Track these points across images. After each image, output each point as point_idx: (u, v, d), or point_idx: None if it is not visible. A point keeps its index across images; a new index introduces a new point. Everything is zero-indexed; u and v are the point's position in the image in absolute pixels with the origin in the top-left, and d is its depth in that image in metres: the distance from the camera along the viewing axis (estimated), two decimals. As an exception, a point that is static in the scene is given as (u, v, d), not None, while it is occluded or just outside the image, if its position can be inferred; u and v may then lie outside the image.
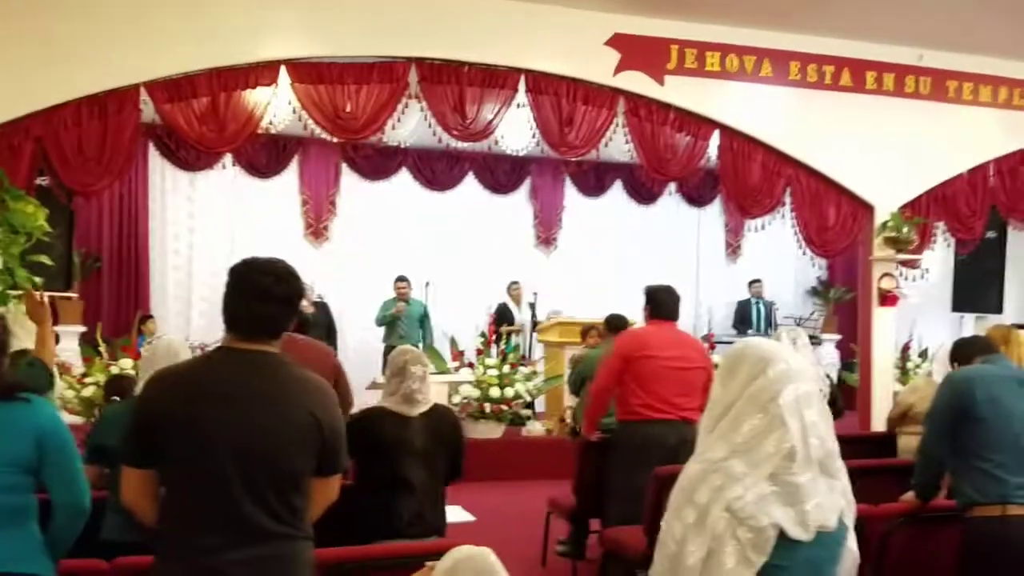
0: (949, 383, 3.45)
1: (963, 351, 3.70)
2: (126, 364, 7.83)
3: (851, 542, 2.18)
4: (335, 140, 7.56)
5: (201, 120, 6.06)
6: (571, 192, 12.24)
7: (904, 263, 7.60)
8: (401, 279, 9.92)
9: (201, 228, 10.88)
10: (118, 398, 4.51)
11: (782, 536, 2.00)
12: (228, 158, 9.20)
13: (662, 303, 4.86)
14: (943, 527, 3.52)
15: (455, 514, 5.93)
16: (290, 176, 11.06)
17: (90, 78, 5.89)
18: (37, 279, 5.54)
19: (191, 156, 9.66)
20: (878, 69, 7.52)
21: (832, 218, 7.50)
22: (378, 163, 11.19)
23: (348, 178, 11.30)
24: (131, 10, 5.99)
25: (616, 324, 6.23)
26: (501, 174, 11.79)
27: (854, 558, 2.19)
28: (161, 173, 10.51)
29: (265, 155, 10.53)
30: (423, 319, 10.00)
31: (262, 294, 2.30)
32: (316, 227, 11.19)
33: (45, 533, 2.50)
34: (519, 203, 12.14)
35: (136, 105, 5.98)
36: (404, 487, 3.64)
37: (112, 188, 7.39)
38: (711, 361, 5.11)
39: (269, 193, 10.94)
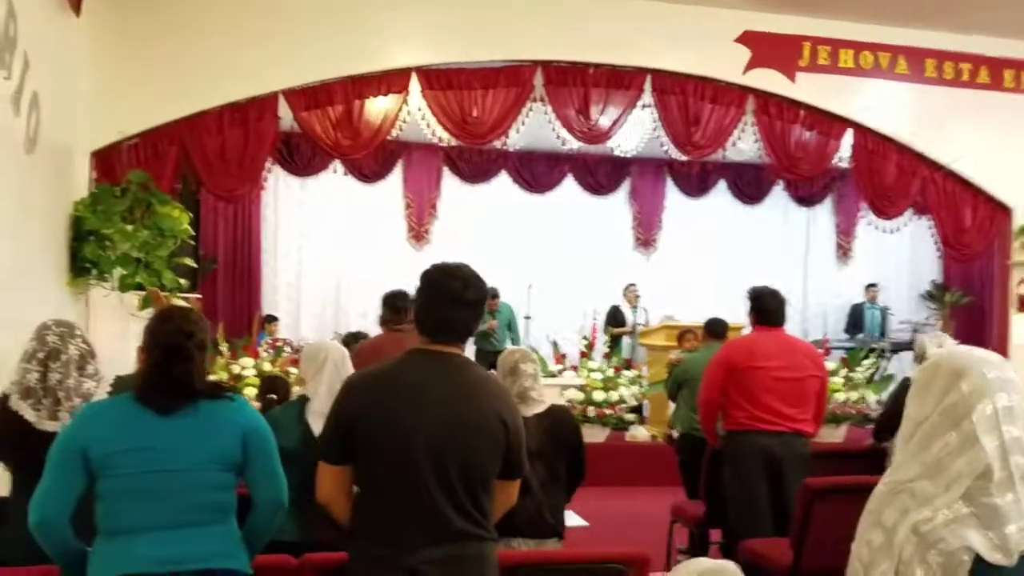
0: None
1: None
2: (247, 363, 8.01)
3: None
4: (441, 143, 7.61)
5: (336, 127, 6.16)
6: (672, 193, 12.07)
7: (1046, 268, 7.26)
8: (492, 295, 9.90)
9: (311, 232, 11.10)
10: (274, 397, 4.59)
11: (980, 561, 1.85)
12: (337, 164, 9.45)
13: (768, 308, 4.62)
14: None
15: (569, 519, 5.87)
16: (394, 180, 11.19)
17: (231, 87, 6.05)
18: (183, 281, 5.72)
19: (303, 161, 9.86)
20: (1016, 67, 7.22)
21: (968, 220, 7.22)
22: (479, 166, 11.24)
23: (449, 181, 11.37)
24: (268, 22, 6.14)
25: (715, 329, 6.06)
26: (601, 175, 11.70)
27: None
28: (274, 179, 10.73)
29: (372, 160, 10.66)
30: (511, 323, 9.95)
31: (454, 298, 2.35)
32: (418, 230, 11.29)
33: (243, 529, 2.54)
34: (619, 204, 12.02)
35: (275, 112, 6.12)
36: (521, 486, 3.57)
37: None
38: (825, 368, 4.93)
39: (374, 197, 11.09)
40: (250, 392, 6.71)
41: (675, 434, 6.04)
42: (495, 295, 9.88)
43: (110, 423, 2.39)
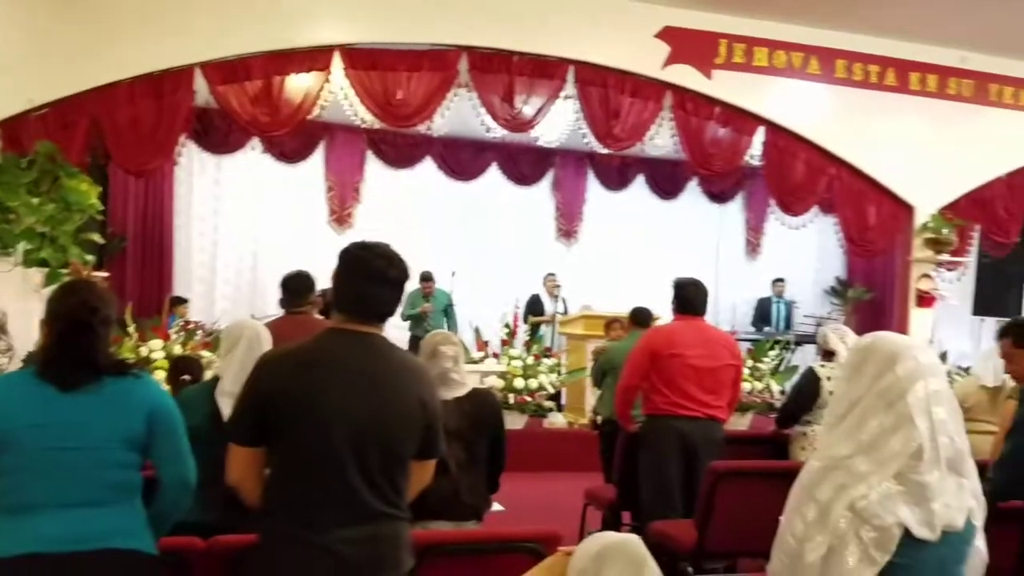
0: None
1: None
2: (156, 346, 7.79)
3: (979, 542, 2.17)
4: (363, 126, 7.54)
5: (254, 103, 6.03)
6: (593, 185, 12.23)
7: (943, 264, 7.62)
8: (426, 278, 9.88)
9: (226, 211, 10.83)
10: (187, 378, 4.49)
11: (907, 535, 1.96)
12: (255, 142, 9.25)
13: (690, 298, 4.80)
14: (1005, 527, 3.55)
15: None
16: (315, 162, 11.02)
17: (146, 58, 5.87)
18: (89, 257, 5.54)
19: (219, 138, 9.61)
20: (922, 70, 7.55)
21: (872, 217, 7.53)
22: (403, 151, 11.15)
23: (373, 165, 11.26)
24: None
25: (641, 317, 6.21)
26: (525, 165, 11.77)
27: (982, 558, 2.18)
28: (188, 155, 10.44)
29: (292, 140, 10.47)
30: (448, 309, 9.98)
31: (375, 276, 2.31)
32: (340, 214, 11.14)
33: (149, 509, 2.50)
34: (542, 195, 12.13)
35: (191, 86, 5.96)
36: (438, 469, 3.51)
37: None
38: (741, 357, 5.12)
39: (294, 178, 10.89)
40: (159, 376, 6.54)
41: (599, 420, 6.14)
42: (430, 278, 9.86)
43: (10, 397, 2.32)
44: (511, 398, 8.37)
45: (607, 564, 2.04)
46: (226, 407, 3.25)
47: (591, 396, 8.71)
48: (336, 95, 6.52)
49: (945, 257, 7.61)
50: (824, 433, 2.18)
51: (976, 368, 4.99)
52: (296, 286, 4.43)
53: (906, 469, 2.00)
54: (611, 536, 2.13)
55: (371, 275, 2.31)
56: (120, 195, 9.93)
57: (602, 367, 6.05)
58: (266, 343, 3.42)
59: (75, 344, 2.35)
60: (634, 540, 2.11)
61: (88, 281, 3.15)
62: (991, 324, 10.87)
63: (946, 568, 2.09)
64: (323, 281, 4.71)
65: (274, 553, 2.27)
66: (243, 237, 10.73)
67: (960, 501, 2.06)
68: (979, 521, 2.14)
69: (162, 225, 10.31)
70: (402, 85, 6.38)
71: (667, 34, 6.91)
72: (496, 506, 6.67)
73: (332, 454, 2.23)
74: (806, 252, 12.18)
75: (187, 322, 8.92)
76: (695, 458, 4.51)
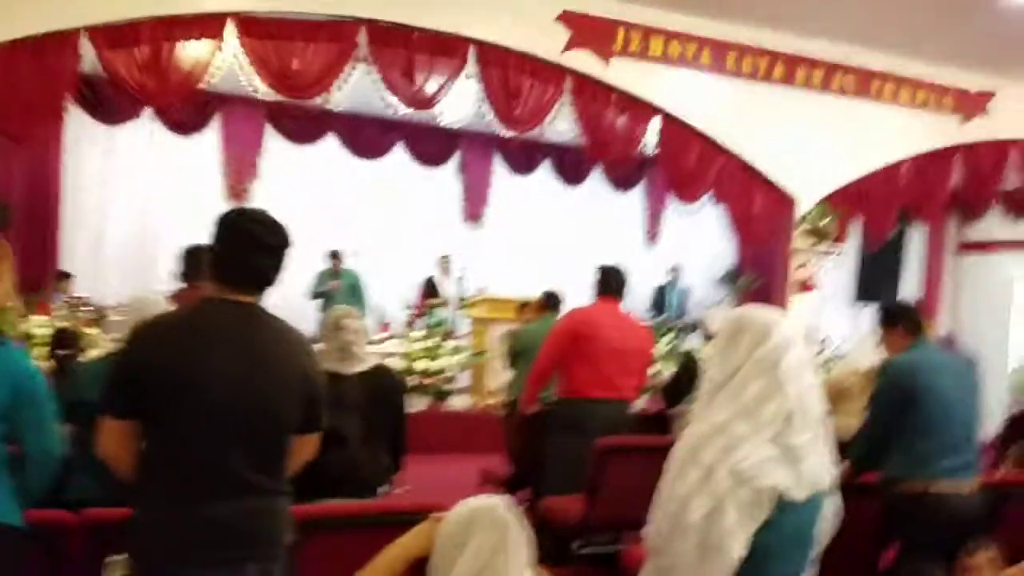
0: (893, 369, 3.73)
1: (908, 315, 3.95)
2: (39, 321, 7.51)
3: (836, 500, 2.33)
4: (262, 98, 7.38)
5: (143, 69, 5.85)
6: (500, 169, 12.30)
7: (823, 254, 7.97)
8: (334, 255, 9.79)
9: (116, 184, 10.47)
10: (64, 352, 4.39)
11: (781, 497, 2.11)
12: (148, 112, 8.94)
13: (611, 282, 4.97)
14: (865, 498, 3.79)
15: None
16: (212, 135, 10.73)
17: (28, 19, 5.60)
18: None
19: (110, 108, 9.25)
20: (808, 65, 7.84)
21: (758, 207, 7.80)
22: (305, 126, 10.93)
23: (273, 141, 11.04)
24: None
25: (552, 301, 6.34)
26: (431, 145, 11.74)
27: (837, 513, 2.34)
28: (78, 124, 10.02)
29: (186, 110, 10.15)
30: (355, 288, 9.91)
31: (255, 243, 2.28)
32: (236, 189, 10.88)
33: (16, 482, 2.45)
34: (448, 177, 12.12)
35: (76, 50, 5.72)
36: (337, 441, 3.50)
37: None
38: (652, 344, 5.29)
39: (188, 152, 10.59)
40: (41, 352, 6.29)
41: (510, 401, 6.20)
42: (338, 256, 9.75)
43: None
44: (414, 380, 8.38)
45: (474, 528, 2.10)
46: None
47: (494, 379, 8.81)
48: (231, 64, 6.36)
49: (823, 247, 7.95)
50: (703, 401, 2.29)
51: (853, 353, 5.25)
52: (196, 259, 4.33)
53: (780, 433, 2.15)
54: (479, 501, 2.19)
55: (250, 242, 2.28)
56: (4, 164, 9.47)
57: (515, 349, 6.14)
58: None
59: None
60: (499, 505, 2.17)
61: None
62: (871, 310, 11.46)
63: (808, 525, 2.24)
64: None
65: (149, 527, 2.22)
66: (133, 211, 10.40)
67: (826, 461, 2.23)
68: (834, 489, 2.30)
69: (48, 196, 9.89)
70: (298, 55, 6.27)
71: (567, 18, 6.98)
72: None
73: (209, 426, 2.20)
74: (701, 240, 12.54)
75: (73, 297, 8.62)
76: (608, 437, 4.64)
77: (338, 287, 9.67)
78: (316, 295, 9.76)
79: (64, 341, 4.71)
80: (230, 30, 6.07)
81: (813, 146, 7.87)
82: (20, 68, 5.62)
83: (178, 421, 2.20)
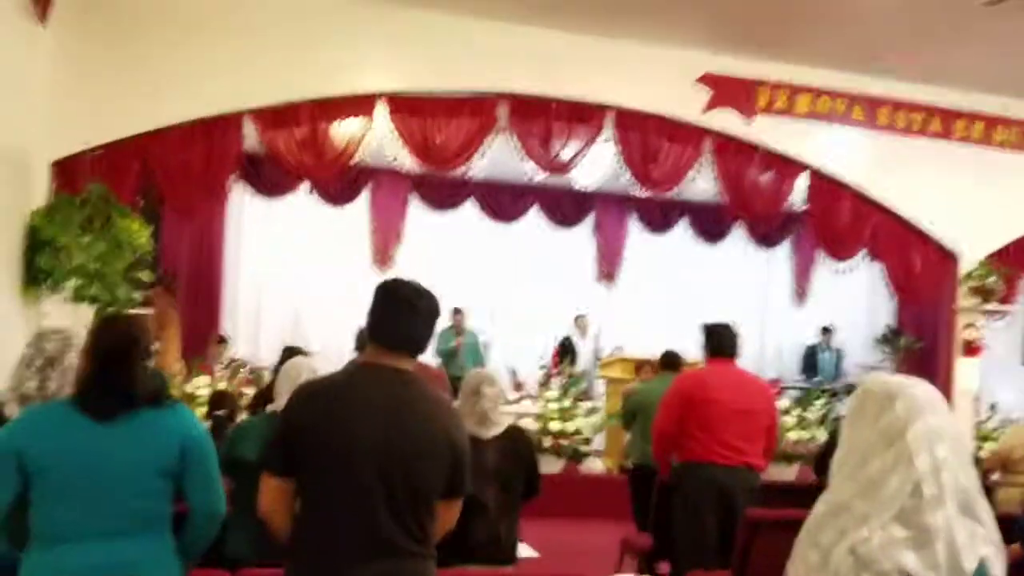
0: None
1: None
2: (201, 382, 7.94)
3: None
4: (406, 171, 7.67)
5: (301, 148, 6.20)
6: (635, 227, 12.24)
7: (989, 313, 7.46)
8: (456, 311, 9.96)
9: (274, 252, 11.07)
10: (221, 413, 4.60)
11: None
12: (304, 184, 9.46)
13: (722, 341, 4.73)
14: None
15: (520, 550, 5.88)
16: (361, 204, 11.22)
17: (196, 103, 6.07)
18: (136, 295, 5.69)
19: (270, 182, 9.86)
20: (967, 118, 7.49)
21: (918, 264, 7.41)
22: (446, 194, 11.31)
23: (416, 208, 11.43)
24: (236, 40, 6.18)
25: (670, 360, 6.17)
26: (566, 207, 11.84)
27: None
28: (239, 198, 10.72)
29: (338, 184, 10.68)
30: (476, 346, 10.01)
31: (410, 309, 2.36)
32: (383, 254, 11.31)
33: (178, 540, 2.54)
34: (582, 237, 12.16)
35: (240, 131, 6.15)
36: (478, 508, 3.53)
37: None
38: (775, 403, 5.03)
39: (340, 220, 11.10)
40: (202, 412, 6.66)
41: (630, 464, 6.08)
42: (460, 312, 9.93)
43: (47, 427, 2.39)
44: (547, 441, 8.33)
45: None
46: None
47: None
48: (379, 140, 6.66)
49: (991, 306, 7.44)
50: (831, 479, 2.15)
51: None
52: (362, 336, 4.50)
53: (909, 511, 1.95)
54: None
55: (403, 307, 2.36)
56: (173, 235, 10.21)
57: (631, 409, 6.02)
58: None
59: (114, 375, 2.42)
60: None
61: (129, 314, 3.25)
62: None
63: None
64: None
65: None
66: (289, 277, 10.93)
67: (971, 545, 2.00)
68: (999, 571, 2.06)
69: (212, 265, 10.58)
70: (442, 130, 6.50)
71: (708, 79, 6.96)
72: (530, 551, 6.67)
73: (358, 488, 2.25)
74: (855, 299, 11.98)
75: (232, 360, 9.11)
76: (732, 507, 4.43)
77: (461, 344, 9.78)
78: (442, 354, 9.91)
79: (221, 402, 4.95)
80: (380, 109, 6.36)
81: (975, 201, 7.45)
82: (189, 149, 6.08)
83: (327, 483, 2.28)
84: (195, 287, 10.51)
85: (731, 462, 4.53)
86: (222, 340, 9.76)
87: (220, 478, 2.59)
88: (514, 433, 3.79)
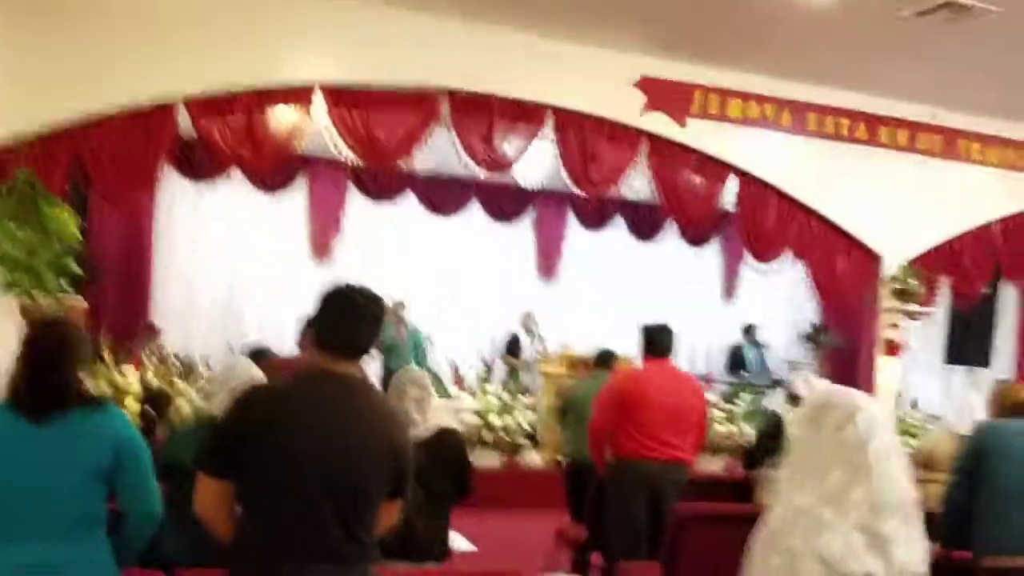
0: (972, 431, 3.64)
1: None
2: (129, 372, 7.79)
3: None
4: (346, 160, 7.61)
5: (237, 137, 6.12)
6: (573, 224, 12.36)
7: (911, 315, 7.77)
8: (398, 304, 9.93)
9: (205, 240, 10.86)
10: (151, 412, 4.54)
11: None
12: (237, 171, 9.29)
13: (658, 341, 4.91)
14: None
15: (457, 543, 5.93)
16: (297, 193, 11.09)
17: (129, 91, 5.94)
18: (65, 285, 5.57)
19: (199, 167, 9.66)
20: (892, 125, 7.77)
21: (841, 266, 7.67)
22: (385, 185, 11.23)
23: (354, 198, 11.34)
24: (171, 27, 6.05)
25: (603, 359, 6.31)
26: (506, 203, 11.88)
27: None
28: (168, 183, 10.46)
29: (273, 171, 10.50)
30: (417, 343, 9.99)
31: (355, 313, 2.40)
32: (321, 245, 11.20)
33: (113, 541, 2.53)
34: (522, 232, 12.24)
35: (174, 119, 6.03)
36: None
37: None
38: (706, 400, 5.22)
39: (275, 209, 10.95)
40: (131, 405, 6.52)
41: (562, 458, 6.19)
42: (402, 304, 9.87)
43: None
44: (487, 435, 8.39)
45: None
46: None
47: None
48: (319, 131, 6.61)
49: (912, 307, 7.76)
50: (785, 483, 2.25)
51: (952, 421, 5.09)
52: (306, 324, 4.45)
53: (867, 519, 2.09)
54: None
55: (351, 312, 2.40)
56: (99, 223, 9.93)
57: (564, 406, 6.13)
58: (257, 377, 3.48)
59: (46, 376, 2.42)
60: None
61: (61, 317, 3.20)
62: (961, 373, 11.03)
63: None
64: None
65: None
66: (221, 266, 10.75)
67: (919, 546, 2.15)
68: (925, 568, 2.22)
69: (141, 253, 10.32)
70: (383, 124, 6.49)
71: (644, 84, 7.09)
72: (467, 544, 6.72)
73: (302, 493, 2.27)
74: (780, 298, 12.31)
75: (161, 352, 8.92)
76: (661, 500, 4.58)
77: (404, 336, 9.75)
78: (382, 346, 9.84)
79: (153, 402, 4.87)
80: (318, 100, 6.31)
81: (899, 206, 7.76)
82: (121, 137, 5.95)
83: (270, 488, 2.29)
84: (124, 276, 10.23)
85: (663, 456, 4.67)
86: (152, 329, 9.56)
87: (154, 479, 2.59)
88: (443, 435, 3.80)
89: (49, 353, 2.44)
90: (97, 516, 2.48)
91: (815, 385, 5.13)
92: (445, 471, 3.76)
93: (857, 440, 2.11)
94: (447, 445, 3.83)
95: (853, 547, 2.06)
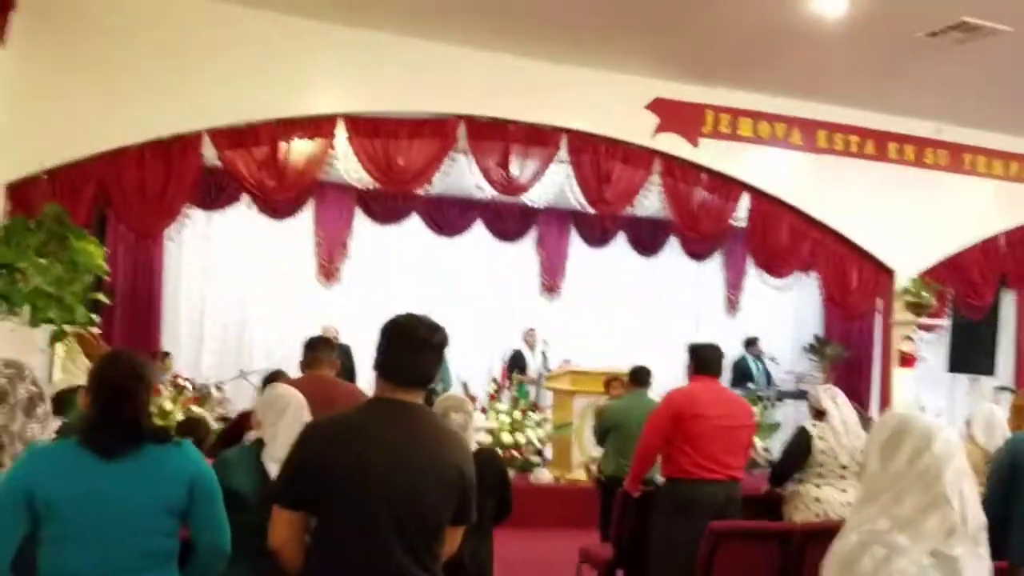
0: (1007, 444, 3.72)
1: None
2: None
3: None
4: (352, 183, 7.68)
5: (261, 167, 6.18)
6: (576, 241, 12.44)
7: (923, 327, 7.88)
8: None
9: (215, 266, 10.88)
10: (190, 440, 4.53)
11: None
12: (246, 198, 9.33)
13: (708, 360, 4.91)
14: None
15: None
16: (304, 217, 11.11)
17: (153, 123, 5.99)
18: (95, 317, 5.60)
19: (210, 195, 9.70)
20: (900, 141, 7.91)
21: (854, 280, 7.77)
22: (391, 207, 11.26)
23: (361, 221, 11.39)
24: (195, 60, 6.13)
25: (640, 376, 6.35)
26: (509, 222, 11.96)
27: None
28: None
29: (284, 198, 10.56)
30: (444, 365, 10.02)
31: (421, 343, 2.43)
32: (328, 268, 11.24)
33: (182, 573, 2.56)
34: (526, 251, 12.32)
35: (198, 150, 6.09)
36: None
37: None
38: (754, 418, 5.26)
39: (283, 234, 10.96)
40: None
41: (603, 477, 6.21)
42: None
43: (55, 467, 2.38)
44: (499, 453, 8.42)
45: None
46: (275, 473, 3.32)
47: (577, 451, 8.81)
48: (332, 157, 6.68)
49: (924, 319, 7.86)
50: (857, 508, 2.29)
51: (979, 437, 5.06)
52: (314, 346, 4.52)
53: (940, 545, 2.12)
54: None
55: (417, 342, 2.42)
56: (111, 249, 9.93)
57: (605, 425, 6.16)
58: (307, 409, 3.53)
59: (119, 411, 2.42)
60: None
61: (130, 350, 3.23)
62: (965, 381, 11.14)
63: None
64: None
65: None
66: (231, 291, 10.77)
67: (984, 571, 2.20)
68: None
69: (151, 279, 10.33)
70: (403, 152, 6.56)
71: (656, 105, 7.19)
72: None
73: (372, 521, 2.31)
74: (784, 309, 12.42)
75: (176, 377, 8.93)
76: (722, 518, 4.51)
77: None
78: None
79: (190, 430, 4.87)
80: (339, 129, 6.39)
81: (909, 219, 7.89)
82: (146, 169, 6.00)
83: (341, 516, 2.33)
84: (134, 303, 10.24)
85: (719, 476, 4.69)
86: (165, 356, 9.57)
87: (237, 514, 2.62)
88: (483, 457, 3.86)
89: (121, 385, 2.44)
90: (171, 551, 2.49)
91: (839, 399, 5.18)
92: (487, 492, 3.81)
93: (935, 467, 2.12)
94: (488, 465, 3.87)
95: (924, 570, 2.10)
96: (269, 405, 3.57)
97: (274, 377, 4.52)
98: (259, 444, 3.47)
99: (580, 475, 8.45)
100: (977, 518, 2.21)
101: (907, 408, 2.37)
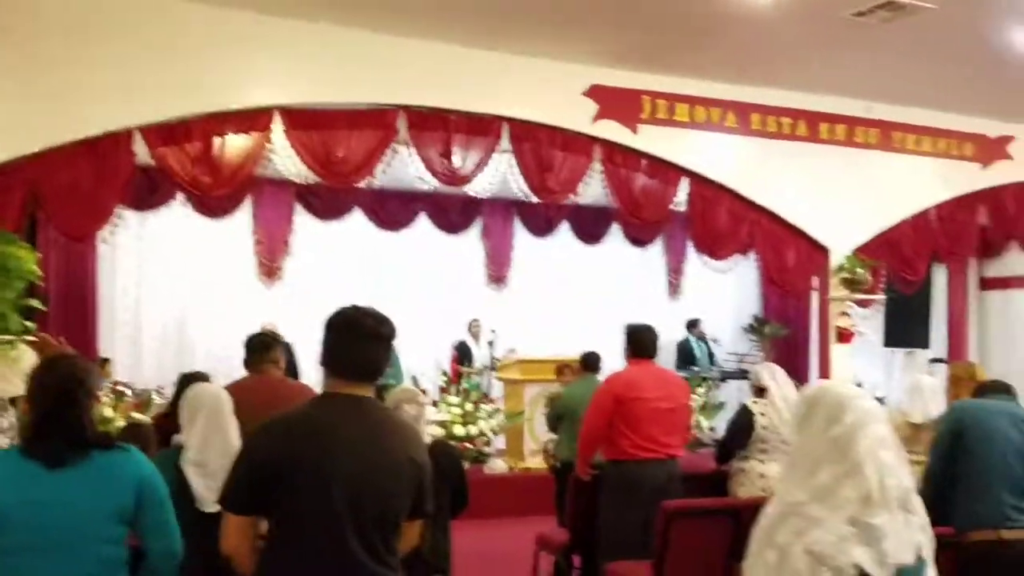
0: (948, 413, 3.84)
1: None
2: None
3: (931, 573, 2.36)
4: (291, 179, 7.58)
5: (195, 164, 6.04)
6: (521, 231, 12.47)
7: (859, 303, 8.08)
8: None
9: (151, 268, 10.63)
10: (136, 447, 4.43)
11: (862, 574, 2.08)
12: (180, 197, 9.12)
13: (644, 342, 5.04)
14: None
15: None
16: (242, 216, 10.91)
17: (82, 121, 5.81)
18: (30, 324, 5.43)
19: (143, 195, 9.46)
20: (831, 120, 8.09)
21: (792, 260, 7.94)
22: (332, 202, 11.14)
23: (301, 217, 11.23)
24: (124, 55, 5.95)
25: (591, 362, 6.42)
26: (453, 214, 11.93)
27: None
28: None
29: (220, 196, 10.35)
30: (395, 358, 9.99)
31: (368, 335, 2.41)
32: (270, 267, 11.06)
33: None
34: (471, 242, 12.30)
35: (130, 149, 5.93)
36: None
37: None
38: (691, 396, 5.35)
39: (220, 233, 10.75)
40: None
41: (558, 464, 6.26)
42: None
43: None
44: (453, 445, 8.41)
45: None
46: (193, 476, 3.27)
47: (530, 440, 8.86)
48: (269, 152, 6.57)
49: (860, 295, 8.07)
50: (781, 479, 2.33)
51: (904, 405, 5.25)
52: (255, 344, 4.46)
53: (857, 513, 2.15)
54: None
55: (365, 335, 2.40)
56: (43, 253, 9.61)
57: (557, 412, 6.21)
58: (227, 408, 3.46)
59: (62, 418, 2.37)
60: None
61: (70, 354, 3.14)
62: (901, 355, 11.49)
63: None
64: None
65: None
66: (168, 293, 10.54)
67: (909, 537, 2.23)
68: (928, 554, 2.31)
69: (85, 284, 10.04)
70: (342, 144, 6.48)
71: (595, 92, 7.23)
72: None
73: (329, 519, 2.28)
74: (724, 291, 12.64)
75: (115, 383, 8.72)
76: (662, 498, 4.59)
77: None
78: None
79: (135, 436, 4.75)
80: (276, 122, 6.28)
81: (842, 198, 8.08)
82: (77, 170, 5.82)
83: (297, 516, 2.30)
84: (68, 309, 9.93)
85: (659, 455, 4.79)
86: (104, 362, 9.32)
87: (175, 517, 2.58)
88: (439, 449, 3.86)
89: (62, 390, 2.40)
90: (119, 558, 2.46)
91: (779, 376, 5.29)
92: (444, 485, 3.80)
93: (846, 436, 2.13)
94: (445, 456, 3.88)
95: (841, 539, 2.08)
96: (183, 408, 3.51)
97: (188, 379, 4.43)
98: (177, 448, 3.42)
99: (534, 463, 8.50)
100: (901, 485, 2.24)
101: (833, 381, 2.40)
